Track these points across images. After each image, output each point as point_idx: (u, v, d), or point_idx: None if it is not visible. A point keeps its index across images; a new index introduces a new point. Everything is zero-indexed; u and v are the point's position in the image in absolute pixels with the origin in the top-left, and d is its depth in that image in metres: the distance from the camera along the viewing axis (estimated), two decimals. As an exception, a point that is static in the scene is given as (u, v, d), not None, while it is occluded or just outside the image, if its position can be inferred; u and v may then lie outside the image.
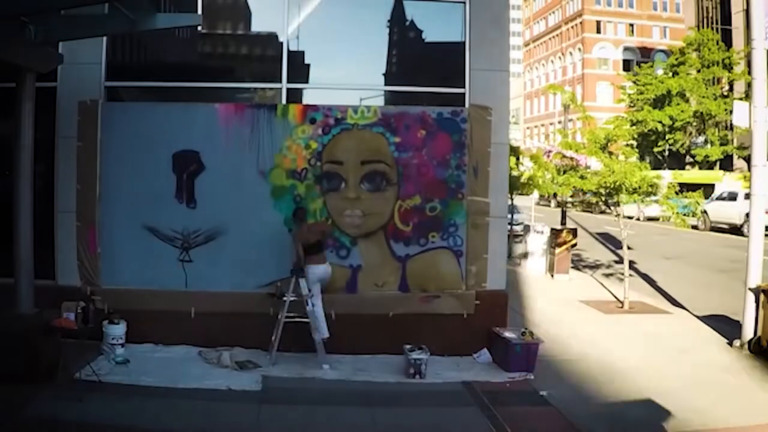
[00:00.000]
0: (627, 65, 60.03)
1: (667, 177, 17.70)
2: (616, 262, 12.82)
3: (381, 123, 8.58)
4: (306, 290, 7.89)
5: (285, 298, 7.91)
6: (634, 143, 28.51)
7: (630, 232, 12.63)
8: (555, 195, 16.54)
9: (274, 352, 7.90)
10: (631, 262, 12.22)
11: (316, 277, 8.02)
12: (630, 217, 13.11)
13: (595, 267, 16.57)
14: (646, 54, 59.23)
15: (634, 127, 36.04)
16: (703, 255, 20.27)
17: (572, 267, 15.81)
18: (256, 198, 8.46)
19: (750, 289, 9.25)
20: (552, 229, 15.89)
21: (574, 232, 15.67)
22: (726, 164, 40.76)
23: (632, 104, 43.42)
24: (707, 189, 25.72)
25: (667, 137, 39.71)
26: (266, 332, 8.25)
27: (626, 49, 64.15)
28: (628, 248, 12.42)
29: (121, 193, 8.43)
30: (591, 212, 34.44)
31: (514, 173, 17.66)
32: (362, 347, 8.32)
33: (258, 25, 9.42)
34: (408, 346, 7.78)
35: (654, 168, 30.95)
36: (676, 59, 41.35)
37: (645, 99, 41.59)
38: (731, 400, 7.18)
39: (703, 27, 46.13)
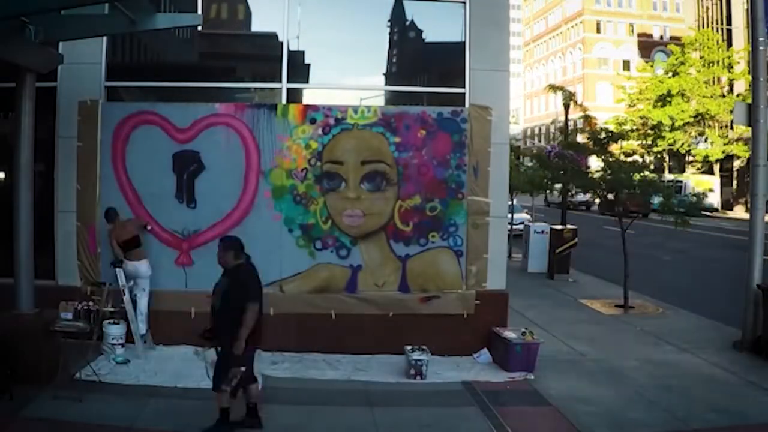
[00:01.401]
0: (627, 65, 60.06)
1: None
2: (616, 261, 12.80)
3: (381, 123, 8.58)
4: (123, 281, 7.94)
5: (103, 288, 7.92)
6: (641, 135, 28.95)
7: (630, 231, 12.63)
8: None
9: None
10: (631, 262, 12.21)
11: (129, 273, 8.04)
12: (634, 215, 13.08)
13: (595, 266, 16.56)
14: (646, 54, 59.19)
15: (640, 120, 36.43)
16: (704, 255, 20.29)
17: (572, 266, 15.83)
18: (256, 198, 8.46)
19: (750, 288, 9.24)
20: (552, 229, 15.89)
21: (574, 232, 15.67)
22: (726, 163, 40.79)
23: (632, 104, 43.45)
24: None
25: (666, 137, 39.74)
26: (266, 332, 8.24)
27: (639, 34, 63.94)
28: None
29: (121, 193, 8.42)
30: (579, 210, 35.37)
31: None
32: (362, 347, 8.32)
33: (258, 25, 9.42)
34: (408, 347, 7.77)
35: (654, 169, 31.42)
36: (677, 59, 41.36)
37: (645, 98, 41.63)
38: (732, 400, 7.18)
39: (703, 27, 46.13)
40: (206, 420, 6.15)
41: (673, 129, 39.56)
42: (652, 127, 38.35)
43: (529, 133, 75.71)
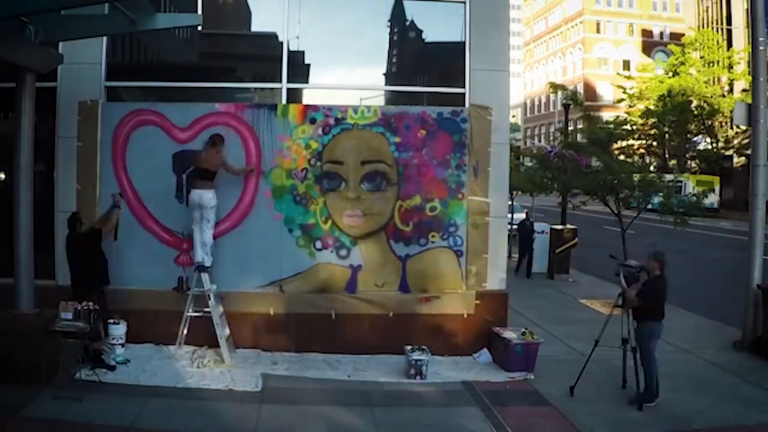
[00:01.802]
0: (627, 65, 60.08)
1: None
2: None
3: (381, 123, 8.58)
4: (208, 284, 7.88)
5: (189, 293, 7.91)
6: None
7: (630, 231, 12.63)
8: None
9: (181, 346, 7.92)
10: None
11: (193, 202, 8.02)
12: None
13: (595, 267, 16.55)
14: (646, 54, 59.21)
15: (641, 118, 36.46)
16: (703, 255, 20.28)
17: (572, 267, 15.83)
18: (256, 198, 8.46)
19: (750, 288, 9.25)
20: (553, 229, 15.89)
21: (574, 232, 15.67)
22: (726, 162, 40.79)
23: (632, 105, 43.44)
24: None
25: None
26: (266, 332, 8.27)
27: (639, 34, 63.86)
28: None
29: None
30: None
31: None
32: (362, 347, 8.33)
33: (258, 25, 9.42)
34: (408, 347, 7.77)
35: (656, 167, 31.53)
36: (677, 59, 41.36)
37: (646, 98, 41.64)
38: (732, 400, 7.19)
39: (703, 27, 46.15)
40: (206, 420, 6.16)
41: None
42: (653, 126, 38.39)
43: (529, 133, 75.71)
